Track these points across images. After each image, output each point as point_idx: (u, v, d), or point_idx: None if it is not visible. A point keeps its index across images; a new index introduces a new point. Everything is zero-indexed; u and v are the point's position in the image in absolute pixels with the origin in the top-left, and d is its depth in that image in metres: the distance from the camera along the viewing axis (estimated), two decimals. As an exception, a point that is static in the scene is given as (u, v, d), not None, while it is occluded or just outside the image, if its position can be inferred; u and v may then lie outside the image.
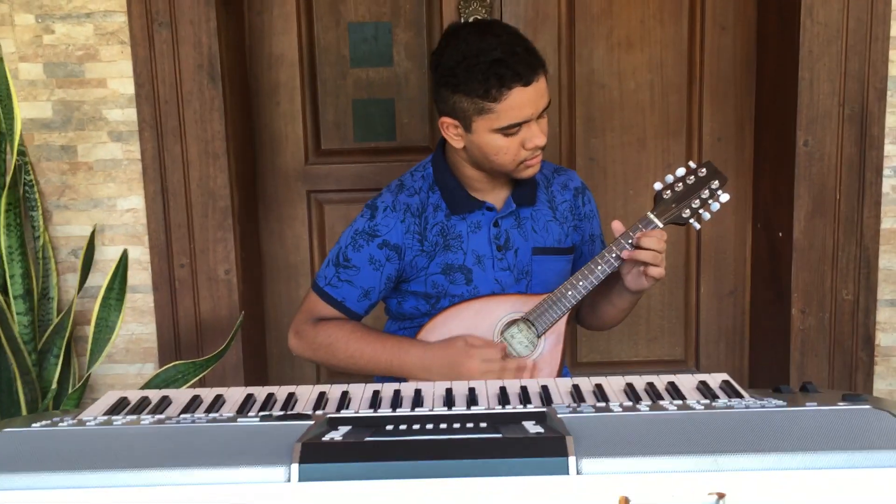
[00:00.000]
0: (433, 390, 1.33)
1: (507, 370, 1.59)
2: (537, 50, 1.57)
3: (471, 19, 2.36)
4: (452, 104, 1.58)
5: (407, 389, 1.34)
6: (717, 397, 1.23)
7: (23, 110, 2.16)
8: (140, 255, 2.26)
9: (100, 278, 2.20)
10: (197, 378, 2.08)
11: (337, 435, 0.98)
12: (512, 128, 1.55)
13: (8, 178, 2.04)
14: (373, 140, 2.48)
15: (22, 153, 2.11)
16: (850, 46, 2.13)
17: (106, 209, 2.25)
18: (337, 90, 2.46)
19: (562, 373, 1.67)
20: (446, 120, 1.61)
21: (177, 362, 2.06)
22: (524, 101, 1.53)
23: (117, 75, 2.19)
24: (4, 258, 2.04)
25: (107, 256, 2.24)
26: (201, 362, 2.07)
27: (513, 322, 1.65)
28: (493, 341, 1.63)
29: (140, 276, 2.27)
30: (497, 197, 1.71)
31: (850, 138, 2.17)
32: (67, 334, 2.13)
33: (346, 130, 2.47)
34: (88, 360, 2.05)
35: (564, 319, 1.64)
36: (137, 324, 2.30)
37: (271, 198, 2.49)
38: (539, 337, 1.64)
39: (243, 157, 2.36)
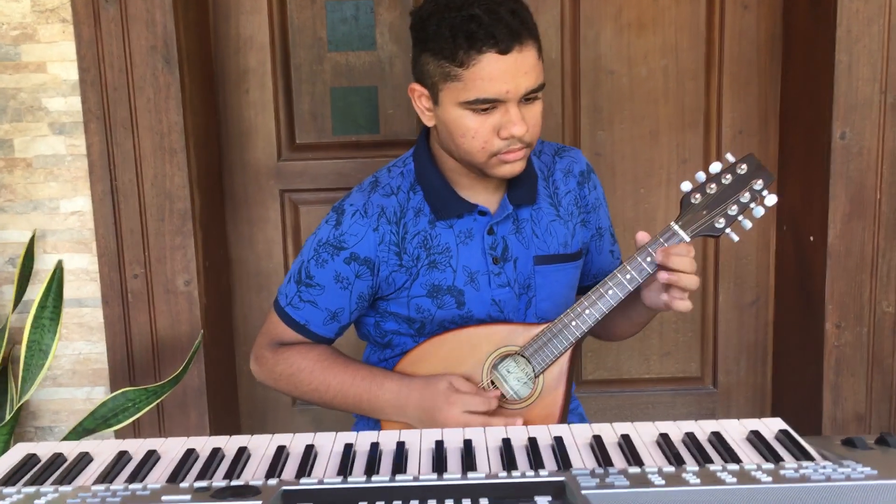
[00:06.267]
0: (419, 443, 1.09)
1: (493, 424, 1.32)
2: (530, 18, 1.30)
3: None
4: (421, 66, 1.33)
5: (387, 441, 1.10)
6: (780, 458, 0.98)
7: (-50, 99, 1.90)
8: (87, 265, 2.00)
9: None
10: (151, 406, 1.82)
11: (288, 527, 0.75)
12: (481, 104, 1.28)
13: (-71, 178, 1.78)
14: (353, 133, 2.22)
15: (-53, 148, 1.85)
16: (894, 25, 1.89)
17: (47, 212, 1.98)
18: (313, 77, 2.19)
19: (567, 408, 1.41)
20: (416, 87, 1.37)
21: (126, 389, 1.80)
22: (498, 71, 1.26)
23: (58, 58, 1.92)
24: (-75, 270, 1.77)
25: (48, 266, 1.97)
26: (155, 388, 1.81)
27: (508, 355, 1.39)
28: (486, 390, 1.37)
29: (88, 288, 2.00)
30: (490, 198, 1.44)
31: (894, 130, 1.93)
32: (2, 356, 1.86)
33: (323, 122, 2.21)
34: (20, 389, 1.78)
35: (567, 356, 1.37)
36: (85, 342, 2.03)
37: (240, 198, 2.23)
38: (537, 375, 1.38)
39: (206, 152, 2.09)
